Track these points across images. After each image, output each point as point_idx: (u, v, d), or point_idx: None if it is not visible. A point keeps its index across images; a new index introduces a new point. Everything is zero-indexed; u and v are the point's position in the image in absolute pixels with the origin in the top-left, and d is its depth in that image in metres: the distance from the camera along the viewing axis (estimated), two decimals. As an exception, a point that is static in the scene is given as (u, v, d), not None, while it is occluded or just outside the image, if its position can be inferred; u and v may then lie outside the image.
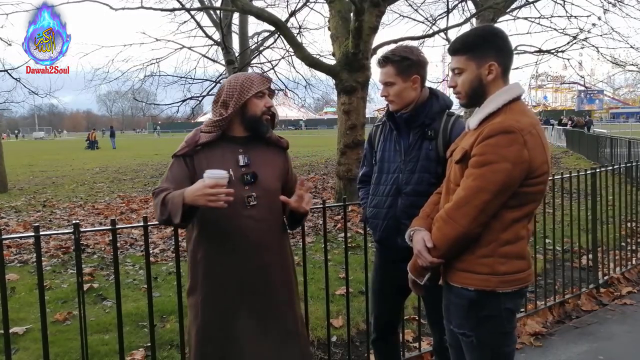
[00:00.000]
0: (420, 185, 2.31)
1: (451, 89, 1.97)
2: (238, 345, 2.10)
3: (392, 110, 2.41)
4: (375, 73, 13.80)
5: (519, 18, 13.14)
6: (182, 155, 2.12)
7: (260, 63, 15.99)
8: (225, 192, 1.87)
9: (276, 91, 2.22)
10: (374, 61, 9.22)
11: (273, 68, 15.48)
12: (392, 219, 2.37)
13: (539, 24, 12.73)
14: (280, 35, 11.59)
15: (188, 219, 2.01)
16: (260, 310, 2.13)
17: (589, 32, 12.40)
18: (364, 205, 2.59)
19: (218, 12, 13.74)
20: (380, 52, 2.48)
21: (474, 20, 11.68)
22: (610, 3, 11.87)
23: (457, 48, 1.89)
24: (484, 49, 1.84)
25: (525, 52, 13.00)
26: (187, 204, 1.91)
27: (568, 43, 12.46)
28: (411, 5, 13.30)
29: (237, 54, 13.95)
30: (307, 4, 12.02)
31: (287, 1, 13.70)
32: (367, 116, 9.18)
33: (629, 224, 5.20)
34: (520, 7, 12.80)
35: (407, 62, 2.31)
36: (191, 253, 2.16)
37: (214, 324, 2.12)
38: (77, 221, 2.40)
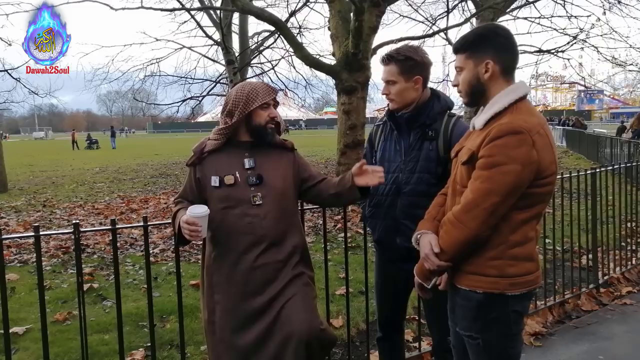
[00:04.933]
0: (420, 185, 2.30)
1: (455, 88, 1.96)
2: (244, 348, 2.14)
3: (392, 109, 2.40)
4: (376, 73, 13.80)
5: (519, 18, 13.12)
6: (191, 164, 2.28)
7: (260, 63, 16.00)
8: (194, 229, 2.01)
9: (280, 94, 2.29)
10: (374, 61, 9.23)
11: (273, 68, 15.47)
12: (391, 219, 2.36)
13: (539, 24, 12.71)
14: (280, 35, 11.58)
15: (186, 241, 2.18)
16: (265, 309, 2.15)
17: (590, 29, 12.40)
18: (363, 205, 2.58)
19: (218, 12, 13.72)
20: (385, 50, 2.45)
21: (474, 20, 11.68)
22: (610, 3, 11.88)
23: (458, 47, 1.89)
24: (482, 47, 1.83)
25: (525, 52, 12.96)
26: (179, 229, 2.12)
27: (568, 43, 12.43)
28: (411, 5, 13.31)
29: (237, 54, 13.94)
30: (307, 4, 12.03)
31: (287, 1, 13.75)
32: (367, 116, 9.17)
33: (629, 224, 5.19)
34: (520, 7, 12.79)
35: (410, 63, 2.30)
36: (205, 253, 2.28)
37: (223, 325, 2.18)
38: (77, 221, 2.40)
